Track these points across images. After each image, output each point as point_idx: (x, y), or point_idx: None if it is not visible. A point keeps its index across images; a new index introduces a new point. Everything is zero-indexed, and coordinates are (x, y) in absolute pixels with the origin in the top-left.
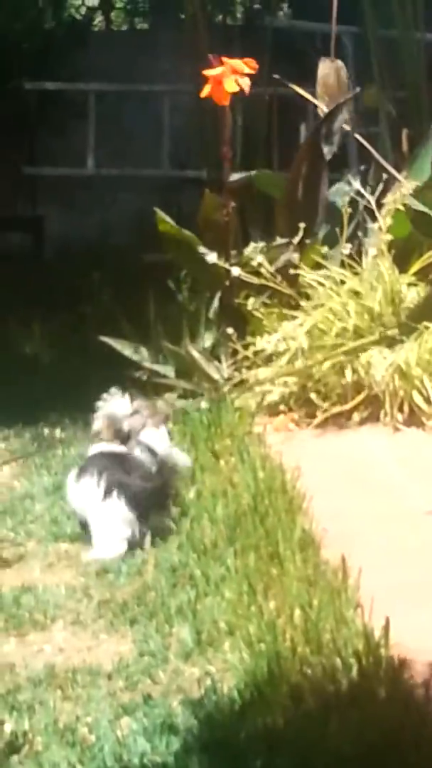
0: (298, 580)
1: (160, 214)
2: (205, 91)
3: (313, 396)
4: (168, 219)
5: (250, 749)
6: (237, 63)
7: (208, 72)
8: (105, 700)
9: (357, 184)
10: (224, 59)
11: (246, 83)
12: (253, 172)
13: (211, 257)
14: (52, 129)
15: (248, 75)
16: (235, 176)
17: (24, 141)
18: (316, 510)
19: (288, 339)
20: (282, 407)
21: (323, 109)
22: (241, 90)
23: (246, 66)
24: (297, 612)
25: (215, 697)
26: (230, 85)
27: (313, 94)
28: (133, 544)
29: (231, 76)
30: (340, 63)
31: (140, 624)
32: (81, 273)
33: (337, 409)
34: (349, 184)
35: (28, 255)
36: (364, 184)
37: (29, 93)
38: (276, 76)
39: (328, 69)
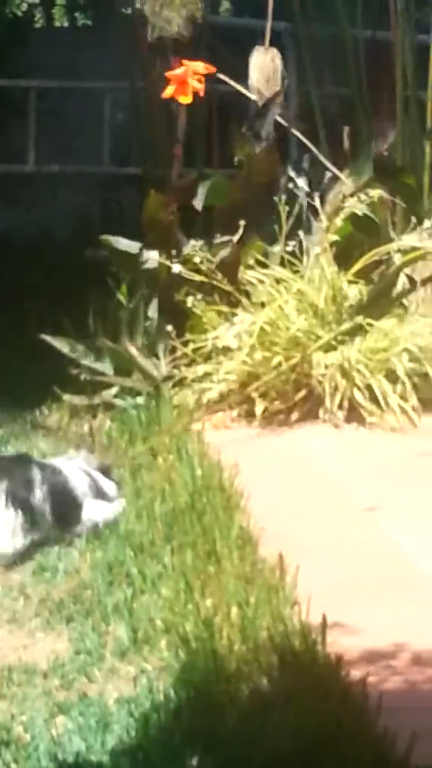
0: (236, 577)
1: (107, 238)
2: (169, 92)
3: (253, 394)
4: (112, 240)
5: (186, 748)
6: (197, 65)
7: (171, 73)
8: (40, 699)
9: (300, 182)
10: (184, 61)
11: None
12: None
13: (152, 260)
14: None
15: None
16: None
17: None
18: (255, 507)
19: (228, 336)
20: (221, 405)
21: (255, 99)
22: (199, 91)
23: (205, 69)
24: (234, 610)
25: (151, 695)
26: (194, 85)
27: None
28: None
29: (192, 77)
30: (274, 50)
31: (76, 622)
32: (22, 269)
33: (276, 406)
34: (290, 180)
35: None
36: (304, 181)
37: None
38: (219, 74)
39: (262, 57)
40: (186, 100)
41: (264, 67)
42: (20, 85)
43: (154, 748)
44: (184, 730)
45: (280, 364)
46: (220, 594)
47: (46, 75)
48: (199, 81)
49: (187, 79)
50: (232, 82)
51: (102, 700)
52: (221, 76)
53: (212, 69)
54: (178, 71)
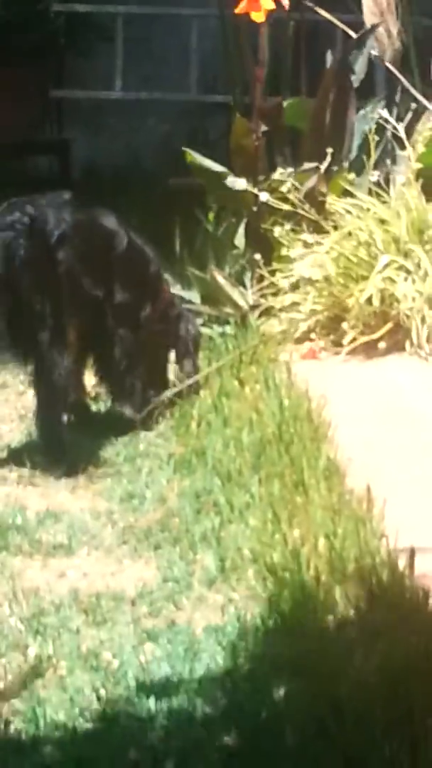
0: (323, 508)
1: (189, 152)
2: (241, 8)
3: (343, 325)
4: (195, 154)
5: (273, 677)
6: None
7: None
8: (129, 626)
9: (384, 111)
10: None
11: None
12: (282, 99)
13: (240, 183)
14: (79, 52)
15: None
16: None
17: (51, 64)
18: (342, 439)
19: (315, 266)
20: (308, 335)
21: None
22: (278, 7)
23: None
24: (321, 541)
25: (239, 624)
26: (267, 2)
27: (343, 21)
28: None
29: None
30: None
31: (164, 550)
32: (107, 197)
33: (364, 338)
34: (377, 110)
35: (54, 179)
36: (391, 111)
37: (58, 15)
38: (306, 1)
39: None
40: (259, 17)
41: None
42: (107, 11)
43: (241, 676)
44: (271, 660)
45: (367, 295)
46: (307, 525)
47: (133, 1)
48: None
49: None
50: (322, 12)
51: (190, 628)
52: (309, 3)
53: None
54: None
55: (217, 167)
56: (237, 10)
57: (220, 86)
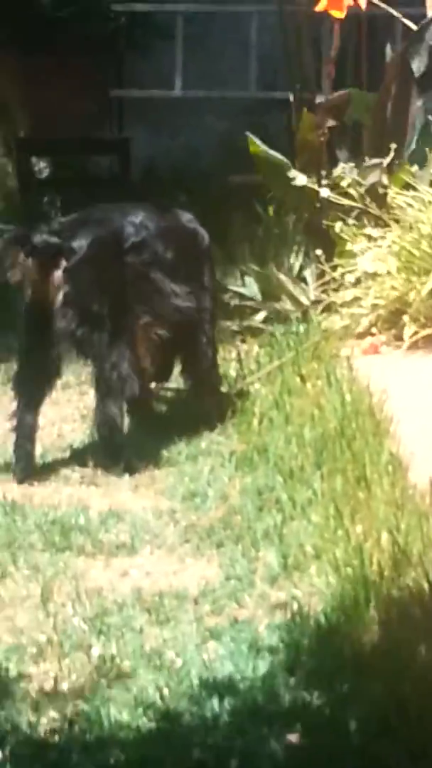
0: (386, 503)
1: (252, 137)
2: (321, 5)
3: (402, 319)
4: (258, 142)
5: (337, 674)
6: None
7: None
8: (192, 624)
9: None
10: None
11: None
12: (346, 91)
13: (301, 179)
14: (139, 51)
15: None
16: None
17: (111, 63)
18: (404, 433)
19: (377, 261)
20: (370, 330)
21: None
22: (357, 5)
23: None
24: (384, 536)
25: (301, 621)
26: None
27: (403, 14)
28: None
29: None
30: None
31: (226, 548)
32: (167, 195)
33: (426, 331)
34: None
35: (115, 177)
36: None
37: (118, 14)
38: None
39: None
40: (339, 14)
41: None
42: (166, 10)
43: (304, 673)
44: (334, 657)
45: (429, 288)
46: (370, 520)
47: None
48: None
49: None
50: (382, 4)
51: (253, 625)
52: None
53: None
54: None
55: (279, 156)
56: (317, 8)
57: (280, 83)
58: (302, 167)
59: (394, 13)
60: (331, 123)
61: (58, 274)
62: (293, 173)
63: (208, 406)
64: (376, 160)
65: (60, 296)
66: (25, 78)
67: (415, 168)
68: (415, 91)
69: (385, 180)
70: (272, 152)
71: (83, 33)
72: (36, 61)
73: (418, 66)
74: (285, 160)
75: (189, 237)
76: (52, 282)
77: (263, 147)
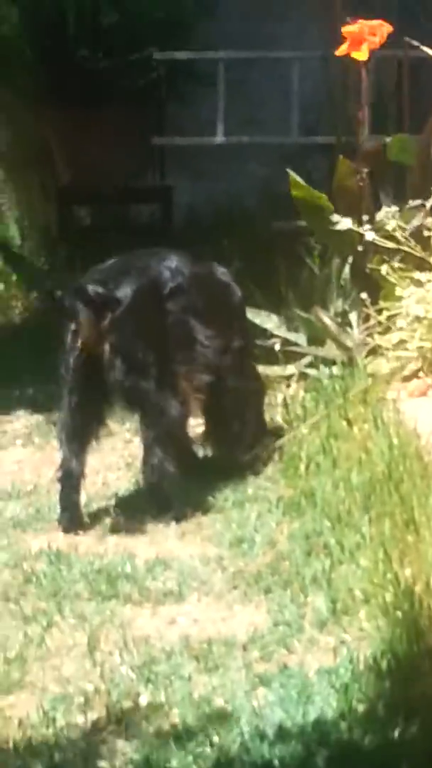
0: None
1: (294, 176)
2: (342, 49)
3: None
4: (301, 181)
5: (388, 719)
6: (374, 23)
7: (346, 29)
8: (241, 671)
9: None
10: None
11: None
12: (385, 138)
13: (345, 223)
14: (181, 98)
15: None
16: (367, 141)
17: (153, 111)
18: None
19: (422, 303)
20: (416, 372)
21: None
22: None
23: (383, 27)
24: None
25: (352, 666)
26: (369, 44)
27: None
28: None
29: (370, 35)
30: None
31: (275, 593)
32: (210, 241)
33: None
34: None
35: (157, 225)
36: None
37: (159, 63)
38: (407, 39)
39: None
40: (361, 56)
41: None
42: (208, 57)
43: (355, 719)
44: (386, 701)
45: None
46: (419, 563)
47: (233, 46)
48: (377, 37)
49: (363, 35)
50: (424, 47)
51: (302, 671)
52: (412, 41)
53: (389, 27)
54: (354, 27)
55: (321, 195)
56: (338, 52)
57: (322, 128)
58: (342, 211)
59: None
60: (368, 168)
61: (104, 324)
62: (336, 218)
63: (247, 452)
64: (418, 202)
65: (107, 346)
66: (67, 128)
67: None
68: None
69: (428, 222)
70: (314, 192)
71: (125, 83)
72: (78, 111)
73: None
74: (327, 201)
75: (220, 289)
76: (99, 331)
77: (305, 186)
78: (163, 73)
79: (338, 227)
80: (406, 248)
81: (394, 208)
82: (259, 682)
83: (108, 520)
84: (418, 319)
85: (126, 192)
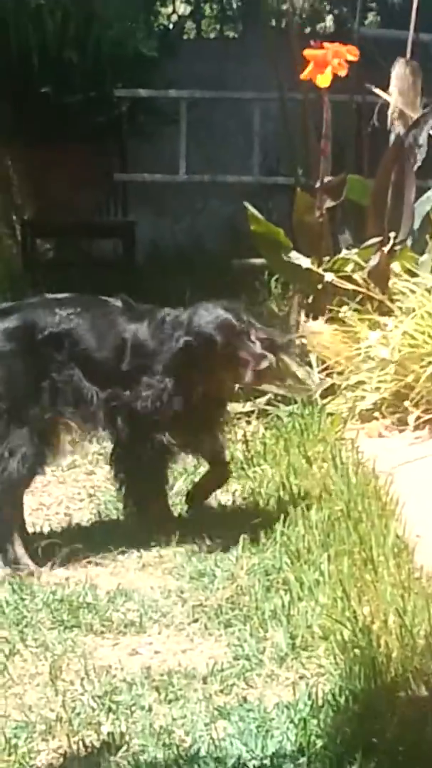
0: (392, 585)
1: (252, 211)
2: (306, 73)
3: (405, 403)
4: (259, 216)
5: (346, 754)
6: (339, 48)
7: (309, 53)
8: (200, 703)
9: None
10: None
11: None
12: (345, 175)
13: (304, 262)
14: (143, 136)
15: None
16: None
17: (116, 148)
18: (410, 516)
19: (380, 346)
20: (374, 413)
21: (395, 108)
22: (338, 75)
23: (348, 53)
24: (392, 618)
25: (311, 701)
26: (332, 69)
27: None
28: None
29: (333, 58)
30: (415, 64)
31: (234, 627)
32: (172, 278)
33: (430, 416)
34: None
35: (120, 260)
36: None
37: (121, 100)
38: (367, 84)
39: (402, 69)
40: (324, 82)
41: (402, 79)
42: (171, 96)
43: (313, 754)
44: (343, 737)
45: (430, 372)
46: (377, 601)
47: (195, 86)
48: (341, 65)
49: (328, 60)
50: (382, 93)
51: (262, 705)
52: (372, 88)
53: (356, 53)
54: (319, 51)
55: (279, 230)
56: (302, 76)
57: (283, 168)
58: (302, 249)
59: (390, 100)
60: (328, 204)
61: None
62: (294, 255)
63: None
64: (375, 240)
65: None
66: (30, 163)
67: (423, 256)
68: (413, 178)
69: (387, 265)
70: (273, 227)
71: (88, 120)
72: (41, 147)
73: (418, 153)
74: (285, 237)
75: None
76: None
77: (263, 221)
78: (126, 111)
79: (297, 263)
80: (364, 290)
81: (354, 250)
82: (219, 714)
83: (69, 550)
84: (375, 360)
85: (89, 227)
